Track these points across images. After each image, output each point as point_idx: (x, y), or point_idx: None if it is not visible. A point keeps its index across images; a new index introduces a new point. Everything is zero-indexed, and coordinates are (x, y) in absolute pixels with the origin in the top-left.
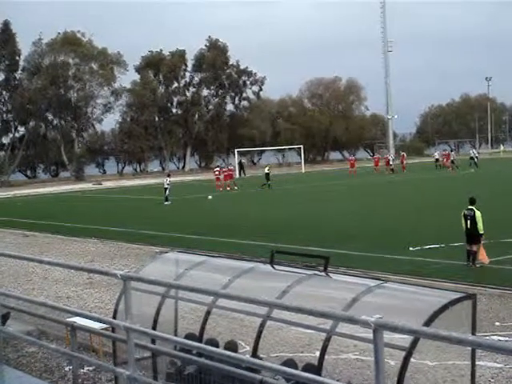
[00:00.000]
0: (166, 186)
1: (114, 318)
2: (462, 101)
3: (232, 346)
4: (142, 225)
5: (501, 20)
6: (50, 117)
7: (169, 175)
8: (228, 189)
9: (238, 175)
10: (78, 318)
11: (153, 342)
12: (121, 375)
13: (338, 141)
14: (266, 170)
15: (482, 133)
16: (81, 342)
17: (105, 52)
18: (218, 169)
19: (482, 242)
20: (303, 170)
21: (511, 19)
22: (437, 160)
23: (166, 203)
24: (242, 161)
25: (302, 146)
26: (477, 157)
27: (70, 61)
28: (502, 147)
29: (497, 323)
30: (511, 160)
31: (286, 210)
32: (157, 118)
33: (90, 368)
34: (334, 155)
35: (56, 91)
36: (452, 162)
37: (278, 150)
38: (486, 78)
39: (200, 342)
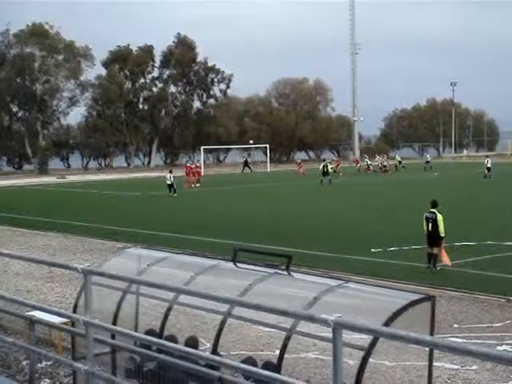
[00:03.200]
0: (170, 182)
1: (74, 312)
2: (428, 105)
3: (192, 342)
4: (105, 220)
5: (468, 26)
6: (15, 108)
7: (171, 171)
8: (192, 186)
9: (241, 172)
10: (37, 311)
11: (112, 337)
12: (79, 370)
13: (303, 141)
14: (324, 166)
15: (446, 137)
16: (40, 337)
17: (72, 45)
18: (188, 165)
19: (443, 245)
20: (268, 170)
21: (478, 26)
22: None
23: (175, 195)
24: (248, 159)
25: (268, 146)
26: (428, 161)
27: (37, 52)
28: (465, 152)
29: (455, 325)
30: (473, 164)
31: (251, 208)
32: (123, 113)
33: (49, 363)
34: (300, 155)
35: (21, 83)
36: (384, 166)
37: (244, 149)
38: (451, 83)
39: (160, 338)
